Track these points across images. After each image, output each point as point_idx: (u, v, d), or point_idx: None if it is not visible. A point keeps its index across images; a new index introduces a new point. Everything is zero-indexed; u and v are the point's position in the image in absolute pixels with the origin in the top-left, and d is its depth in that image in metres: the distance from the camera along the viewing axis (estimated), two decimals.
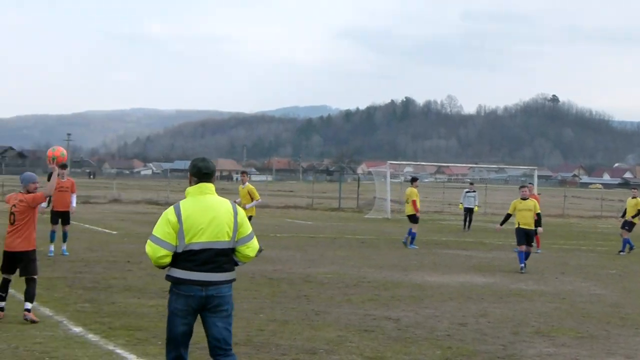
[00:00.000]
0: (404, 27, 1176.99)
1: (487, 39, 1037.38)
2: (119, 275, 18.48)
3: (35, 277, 13.19)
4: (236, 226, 7.95)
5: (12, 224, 13.07)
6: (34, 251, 13.17)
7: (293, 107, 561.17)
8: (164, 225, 7.75)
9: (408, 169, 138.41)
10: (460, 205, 41.92)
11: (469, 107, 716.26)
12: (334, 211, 55.01)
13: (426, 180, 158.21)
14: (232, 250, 7.98)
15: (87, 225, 32.58)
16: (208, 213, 7.83)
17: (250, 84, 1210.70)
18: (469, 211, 40.73)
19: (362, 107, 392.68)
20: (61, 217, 22.55)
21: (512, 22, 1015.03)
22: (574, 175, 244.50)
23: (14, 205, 13.15)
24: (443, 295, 17.18)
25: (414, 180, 29.74)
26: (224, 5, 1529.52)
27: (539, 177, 62.81)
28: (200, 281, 7.71)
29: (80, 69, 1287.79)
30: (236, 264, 8.09)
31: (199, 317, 7.88)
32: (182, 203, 7.90)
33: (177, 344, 7.86)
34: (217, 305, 7.82)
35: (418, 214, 28.93)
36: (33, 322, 12.56)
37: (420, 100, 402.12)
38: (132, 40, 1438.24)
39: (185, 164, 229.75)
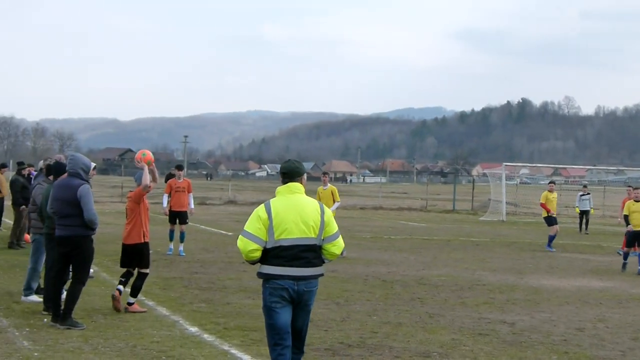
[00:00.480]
0: (519, 27, 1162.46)
1: (607, 37, 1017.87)
2: (235, 276, 18.70)
3: (147, 271, 13.98)
4: (322, 224, 8.30)
5: (126, 218, 14.09)
6: (145, 244, 13.91)
7: (408, 108, 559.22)
8: (255, 222, 8.19)
9: (524, 171, 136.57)
10: (577, 209, 41.67)
11: (587, 108, 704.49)
12: (448, 213, 54.63)
13: (542, 182, 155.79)
14: (319, 247, 8.31)
15: (203, 227, 33.08)
16: (296, 211, 8.23)
17: (365, 86, 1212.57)
18: (584, 214, 40.76)
19: (478, 108, 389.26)
20: (178, 217, 22.97)
21: (633, 21, 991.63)
22: None
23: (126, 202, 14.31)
24: (559, 299, 16.90)
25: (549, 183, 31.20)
26: (339, 8, 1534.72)
27: None
28: (292, 276, 8.12)
29: (197, 72, 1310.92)
30: (323, 261, 8.41)
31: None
32: (272, 201, 8.33)
33: (283, 334, 8.15)
34: (306, 299, 8.25)
35: (550, 213, 28.85)
36: (136, 311, 13.51)
37: (537, 101, 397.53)
38: (248, 43, 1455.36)
39: None
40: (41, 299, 13.79)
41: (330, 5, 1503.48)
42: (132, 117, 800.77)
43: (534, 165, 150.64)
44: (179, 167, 23.40)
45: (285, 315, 8.16)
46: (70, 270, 12.71)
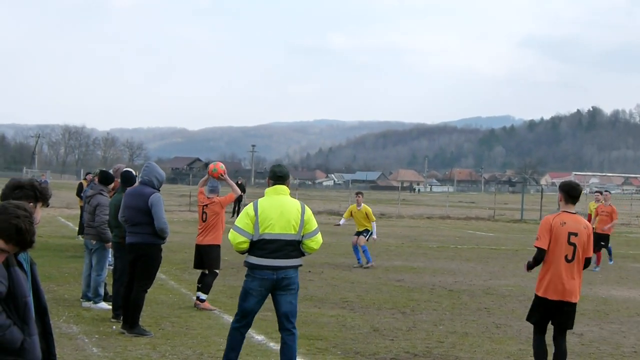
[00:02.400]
0: (589, 34, 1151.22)
1: None
2: (301, 285, 18.52)
3: (217, 271, 14.93)
4: (302, 222, 9.52)
5: (204, 221, 14.96)
6: (218, 246, 14.93)
7: (475, 117, 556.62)
8: (244, 218, 9.50)
9: (593, 180, 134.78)
10: None
11: None
12: (516, 223, 54.13)
13: (613, 192, 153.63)
14: (299, 242, 9.52)
15: None
16: (279, 210, 9.47)
17: (433, 95, 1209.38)
18: None
19: (547, 117, 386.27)
20: None
21: None
22: None
23: (206, 205, 14.91)
24: (629, 311, 16.67)
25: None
26: (406, 16, 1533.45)
27: None
28: (271, 266, 9.39)
29: (264, 81, 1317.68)
30: (303, 254, 9.62)
31: None
32: (260, 200, 9.63)
33: (246, 315, 9.61)
34: (285, 285, 9.50)
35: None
36: (206, 309, 14.37)
37: (607, 109, 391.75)
38: (314, 52, 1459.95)
39: (367, 175, 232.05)
40: (110, 306, 13.98)
41: (396, 14, 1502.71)
42: (201, 126, 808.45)
43: (604, 174, 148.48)
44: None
45: (257, 303, 9.56)
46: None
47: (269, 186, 9.79)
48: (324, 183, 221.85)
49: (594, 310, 16.41)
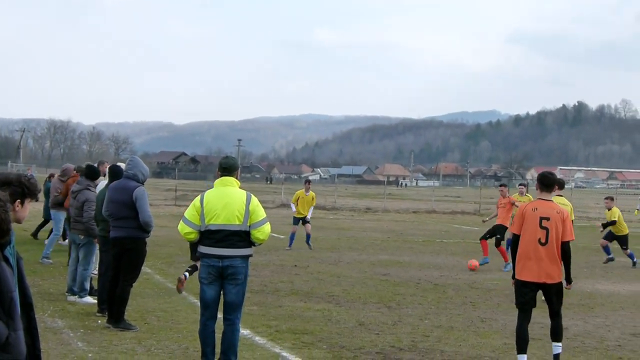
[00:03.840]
0: (575, 30, 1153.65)
1: None
2: (287, 279, 18.76)
3: None
4: (247, 213, 9.67)
5: None
6: None
7: (462, 112, 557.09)
8: (191, 209, 9.81)
9: (579, 175, 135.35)
10: (637, 212, 41.39)
11: None
12: None
13: (597, 186, 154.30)
14: (246, 233, 9.69)
15: None
16: (224, 201, 9.68)
17: (419, 90, 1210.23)
18: None
19: (532, 112, 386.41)
20: None
21: None
22: None
23: None
24: (614, 305, 16.74)
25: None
26: (394, 12, 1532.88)
27: None
28: (217, 255, 9.64)
29: (251, 76, 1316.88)
30: (252, 244, 9.81)
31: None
32: (206, 192, 9.91)
33: (207, 305, 9.79)
34: (231, 274, 9.68)
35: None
36: None
37: (593, 104, 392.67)
38: (302, 47, 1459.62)
39: (353, 170, 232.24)
40: (95, 301, 13.96)
41: (384, 9, 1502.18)
42: (187, 121, 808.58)
43: (589, 169, 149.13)
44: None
45: (210, 291, 9.74)
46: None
47: (216, 178, 10.06)
48: (311, 177, 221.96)
49: (578, 305, 16.46)
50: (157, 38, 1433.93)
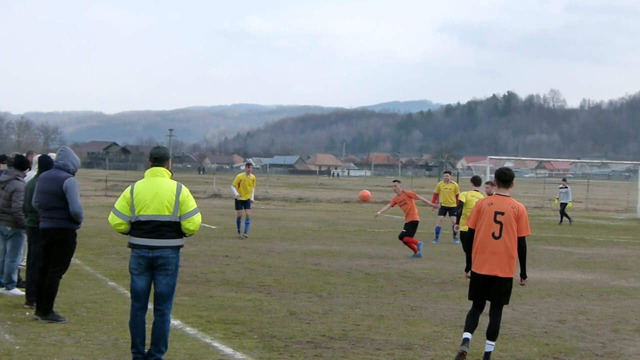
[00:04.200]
0: (504, 20, 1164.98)
1: (592, 31, 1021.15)
2: (218, 269, 18.72)
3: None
4: (177, 204, 9.69)
5: None
6: None
7: (393, 102, 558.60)
8: (121, 200, 9.81)
9: (508, 164, 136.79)
10: (557, 201, 42.59)
11: (572, 101, 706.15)
12: None
13: (526, 175, 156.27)
14: (176, 223, 9.72)
15: None
16: (154, 191, 9.68)
17: (351, 80, 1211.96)
18: (564, 206, 41.67)
19: (463, 101, 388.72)
20: None
21: (618, 14, 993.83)
22: None
23: None
24: (541, 292, 17.00)
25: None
26: (324, 1, 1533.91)
27: None
28: (147, 246, 9.64)
29: (183, 65, 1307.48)
30: (183, 235, 9.84)
31: None
32: (136, 183, 9.87)
33: (137, 296, 9.78)
34: (161, 264, 9.69)
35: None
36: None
37: (522, 94, 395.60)
38: (233, 36, 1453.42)
39: (285, 160, 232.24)
40: (23, 292, 13.79)
41: None
42: (117, 110, 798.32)
43: (518, 158, 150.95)
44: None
45: (141, 282, 9.73)
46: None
47: (147, 168, 10.05)
48: (242, 167, 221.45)
49: None
50: (88, 25, 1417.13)
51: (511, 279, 10.60)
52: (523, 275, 11.03)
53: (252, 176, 27.73)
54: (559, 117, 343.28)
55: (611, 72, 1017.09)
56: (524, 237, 10.66)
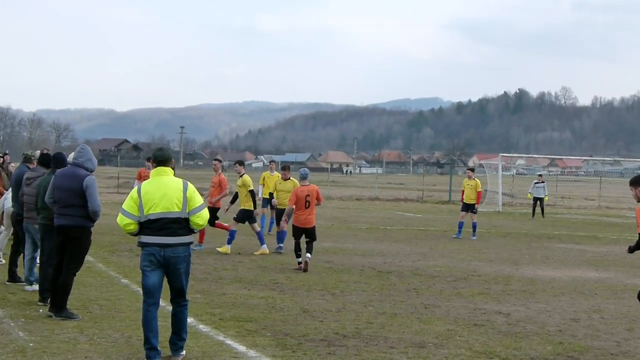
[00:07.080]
0: (515, 17, 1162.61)
1: (601, 28, 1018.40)
2: (230, 267, 18.71)
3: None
4: (185, 200, 9.88)
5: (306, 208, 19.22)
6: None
7: (405, 99, 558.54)
8: (128, 200, 9.95)
9: (520, 162, 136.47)
10: (529, 195, 44.09)
11: (584, 99, 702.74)
12: (444, 204, 54.59)
13: (538, 173, 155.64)
14: (186, 220, 9.91)
15: None
16: (161, 190, 9.84)
17: (362, 77, 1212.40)
18: (538, 200, 43.57)
19: (474, 99, 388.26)
20: None
21: (624, 12, 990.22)
22: None
23: (308, 195, 19.50)
24: (555, 290, 16.93)
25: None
26: None
27: None
28: (158, 244, 9.76)
29: (194, 63, 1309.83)
30: (193, 231, 10.07)
31: None
32: (143, 183, 10.09)
33: (150, 293, 9.89)
34: (174, 262, 9.84)
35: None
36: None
37: (534, 92, 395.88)
38: (244, 33, 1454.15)
39: (296, 157, 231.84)
40: (37, 289, 13.80)
41: None
42: (129, 107, 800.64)
43: (530, 156, 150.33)
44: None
45: (153, 278, 9.83)
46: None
47: (154, 168, 10.20)
48: (254, 165, 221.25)
49: (520, 290, 16.63)
50: (100, 23, 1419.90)
51: None
52: None
53: (277, 174, 26.55)
54: (570, 115, 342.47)
55: (622, 69, 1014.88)
56: None
